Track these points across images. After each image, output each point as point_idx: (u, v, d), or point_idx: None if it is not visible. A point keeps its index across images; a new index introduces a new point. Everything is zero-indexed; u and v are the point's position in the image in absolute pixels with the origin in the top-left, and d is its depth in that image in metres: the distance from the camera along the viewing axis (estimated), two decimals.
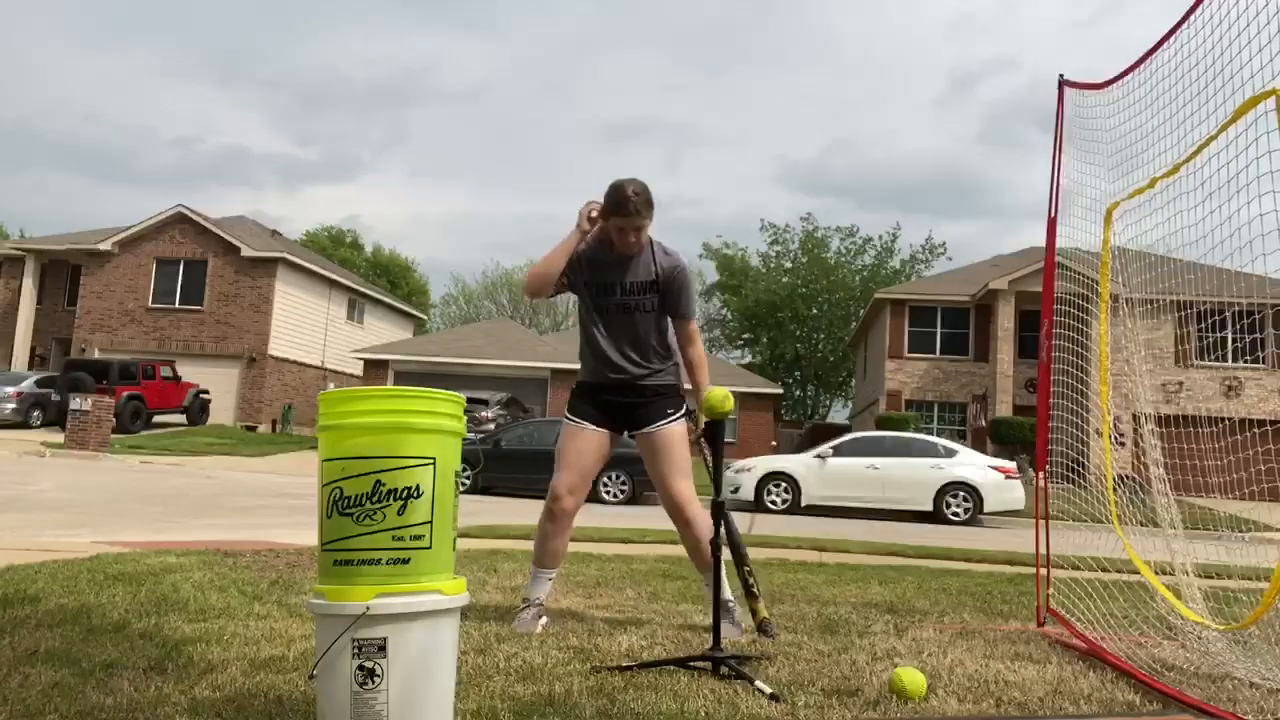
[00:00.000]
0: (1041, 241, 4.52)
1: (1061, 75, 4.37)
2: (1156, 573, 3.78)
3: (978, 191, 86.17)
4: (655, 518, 9.28)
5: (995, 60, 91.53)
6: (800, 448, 23.13)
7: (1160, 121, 3.51)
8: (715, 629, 3.06)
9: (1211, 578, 5.23)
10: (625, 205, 3.42)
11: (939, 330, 29.17)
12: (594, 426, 3.68)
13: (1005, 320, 26.51)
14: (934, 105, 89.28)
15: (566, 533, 3.69)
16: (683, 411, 3.72)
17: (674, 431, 3.65)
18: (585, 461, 3.65)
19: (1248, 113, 2.88)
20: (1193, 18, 3.22)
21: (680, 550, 4.45)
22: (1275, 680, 2.98)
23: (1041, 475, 4.35)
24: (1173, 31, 3.36)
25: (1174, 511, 3.80)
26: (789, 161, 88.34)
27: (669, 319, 3.71)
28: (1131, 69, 3.71)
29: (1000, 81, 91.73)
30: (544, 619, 3.60)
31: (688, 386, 3.72)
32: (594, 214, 3.51)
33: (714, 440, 3.28)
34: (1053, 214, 4.32)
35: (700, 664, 2.94)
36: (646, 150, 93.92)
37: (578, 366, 3.84)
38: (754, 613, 3.70)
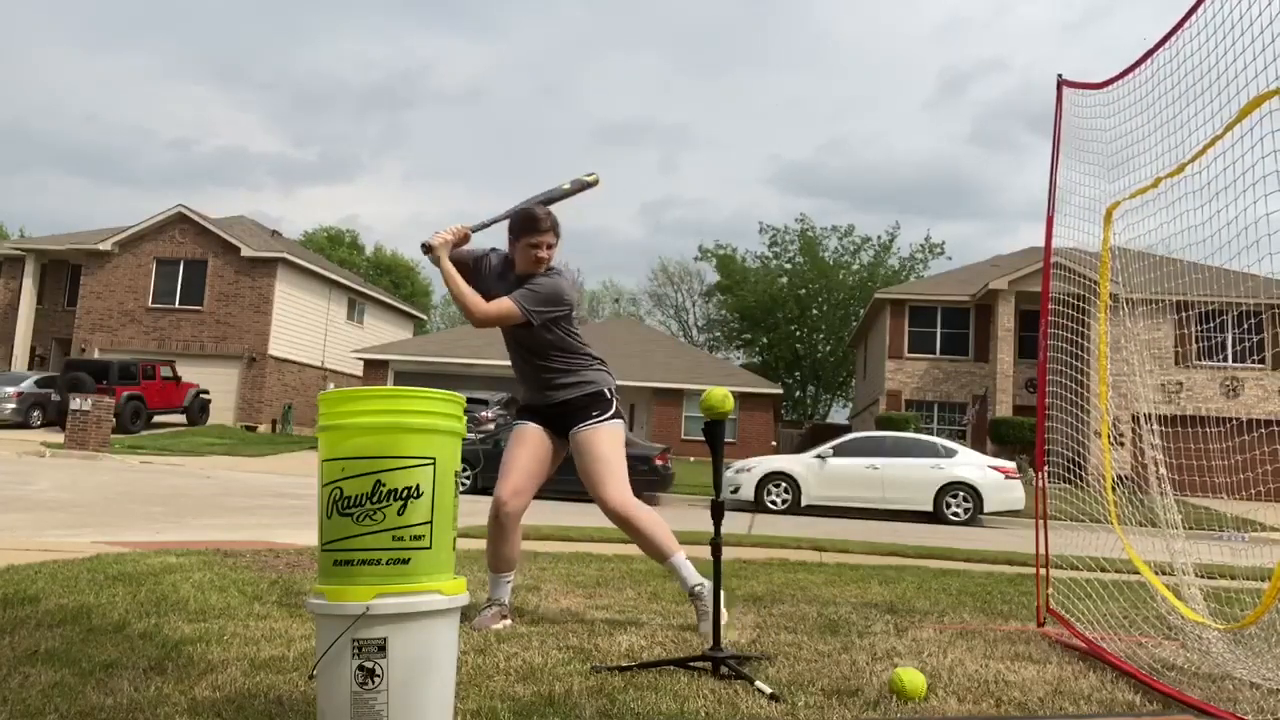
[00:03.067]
0: (1038, 242, 4.52)
1: (1060, 75, 4.37)
2: (1156, 573, 3.78)
3: (971, 193, 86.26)
4: None
5: (986, 62, 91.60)
6: (800, 448, 23.16)
7: (1161, 122, 3.50)
8: (715, 629, 3.06)
9: (1212, 578, 5.23)
10: (537, 222, 3.54)
11: (939, 330, 29.18)
12: (538, 427, 3.72)
13: (1005, 320, 26.52)
14: (926, 107, 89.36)
15: (515, 537, 3.69)
16: (610, 413, 3.69)
17: (598, 432, 3.64)
18: (529, 465, 3.67)
19: (1253, 112, 2.87)
20: (1193, 18, 3.21)
21: None
22: (1275, 680, 2.98)
23: (1041, 475, 4.34)
24: (1173, 32, 3.36)
25: (1174, 512, 3.79)
26: (785, 162, 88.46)
27: (573, 330, 3.67)
28: (1131, 69, 3.70)
29: (991, 83, 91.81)
30: (506, 620, 3.59)
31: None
32: (446, 237, 3.51)
33: (714, 440, 3.28)
34: (1051, 213, 4.31)
35: (700, 664, 2.94)
36: (643, 151, 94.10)
37: None
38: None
